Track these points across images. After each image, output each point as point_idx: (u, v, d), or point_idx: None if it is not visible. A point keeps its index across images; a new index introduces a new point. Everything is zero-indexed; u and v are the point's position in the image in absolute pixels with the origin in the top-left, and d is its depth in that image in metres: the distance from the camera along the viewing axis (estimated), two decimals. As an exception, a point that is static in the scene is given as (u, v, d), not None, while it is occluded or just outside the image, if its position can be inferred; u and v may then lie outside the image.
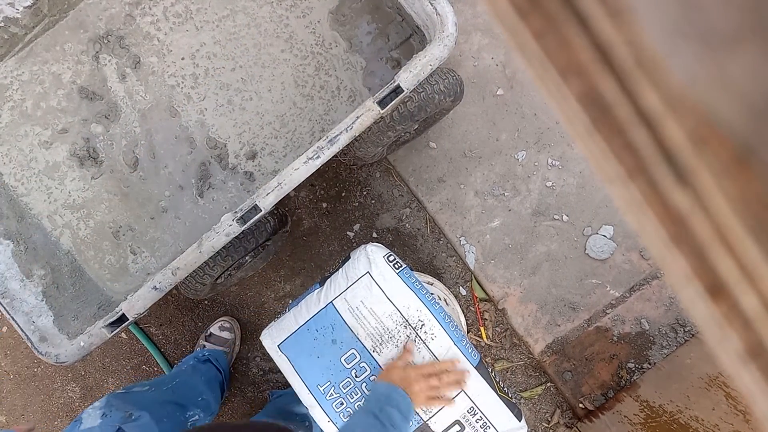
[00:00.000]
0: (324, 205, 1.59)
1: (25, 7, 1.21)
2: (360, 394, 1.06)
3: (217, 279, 1.23)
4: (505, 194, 1.52)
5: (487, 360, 1.57)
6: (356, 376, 1.07)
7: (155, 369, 1.63)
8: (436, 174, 1.53)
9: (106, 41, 1.27)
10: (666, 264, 0.17)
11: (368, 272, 1.11)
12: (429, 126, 1.44)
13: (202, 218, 1.27)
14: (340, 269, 1.17)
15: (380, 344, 1.07)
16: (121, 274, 1.26)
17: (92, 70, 1.27)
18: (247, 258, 1.39)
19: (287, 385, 1.57)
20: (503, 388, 1.11)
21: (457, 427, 1.05)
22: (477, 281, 1.54)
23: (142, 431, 1.05)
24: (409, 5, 1.13)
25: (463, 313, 1.50)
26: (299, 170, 1.01)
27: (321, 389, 1.07)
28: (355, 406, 1.06)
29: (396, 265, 1.12)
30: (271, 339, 1.13)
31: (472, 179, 1.52)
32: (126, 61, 1.27)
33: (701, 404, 1.16)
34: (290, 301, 1.60)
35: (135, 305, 1.03)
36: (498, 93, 1.51)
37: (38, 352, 1.05)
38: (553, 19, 0.15)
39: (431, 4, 1.00)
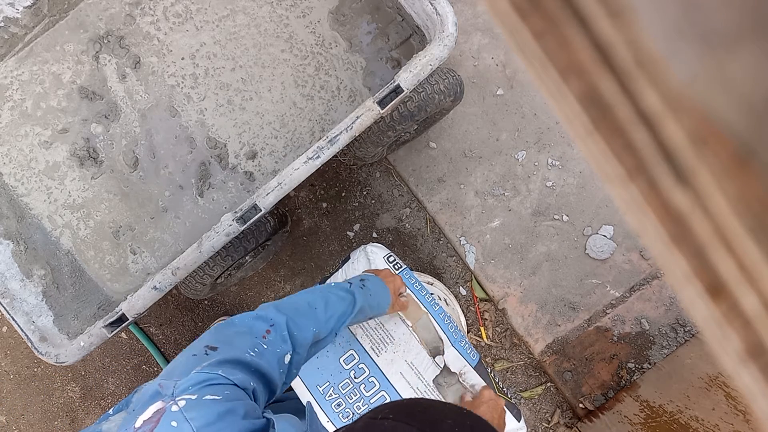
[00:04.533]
0: (324, 205, 1.59)
1: (25, 7, 1.21)
2: (359, 395, 1.06)
3: (217, 279, 1.23)
4: (505, 194, 1.52)
5: (487, 360, 1.57)
6: (355, 377, 1.07)
7: (155, 369, 1.63)
8: (436, 174, 1.53)
9: (106, 41, 1.27)
10: (666, 264, 0.17)
11: (368, 272, 1.11)
12: (429, 126, 1.44)
13: (202, 218, 1.27)
14: (340, 269, 1.17)
15: (379, 345, 1.07)
16: (121, 274, 1.26)
17: (92, 70, 1.27)
18: (247, 258, 1.39)
19: (287, 385, 1.57)
20: (502, 388, 1.11)
21: (457, 427, 1.05)
22: (477, 281, 1.54)
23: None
24: (409, 5, 1.13)
25: (463, 313, 1.50)
26: (299, 170, 1.01)
27: (320, 389, 1.07)
28: (354, 407, 1.06)
29: (396, 266, 1.13)
30: (271, 339, 1.12)
31: (472, 179, 1.52)
32: (126, 61, 1.27)
33: (701, 404, 1.16)
34: (290, 301, 1.60)
35: (135, 305, 1.03)
36: (498, 93, 1.51)
37: (38, 352, 1.05)
38: (553, 19, 0.15)
39: (431, 4, 1.00)
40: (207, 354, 0.68)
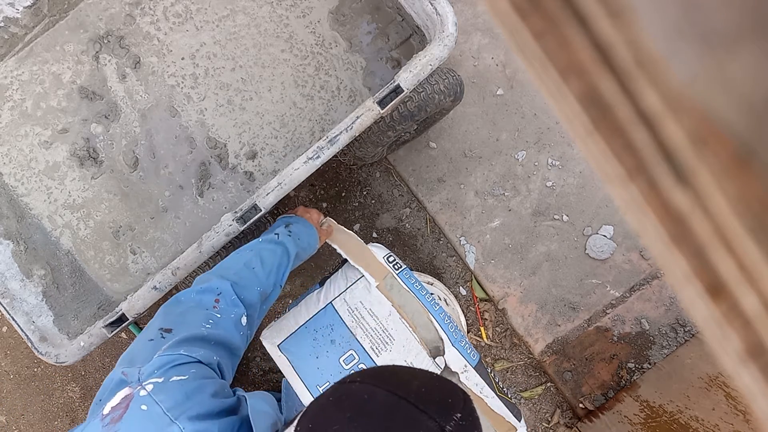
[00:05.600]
0: (324, 205, 1.59)
1: (25, 7, 1.21)
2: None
3: (217, 279, 1.23)
4: (505, 194, 1.52)
5: (487, 360, 1.57)
6: (356, 376, 1.07)
7: (155, 369, 1.63)
8: (436, 174, 1.53)
9: (106, 41, 1.27)
10: (666, 264, 0.17)
11: (368, 272, 1.11)
12: (429, 126, 1.44)
13: (202, 218, 1.27)
14: (340, 270, 1.17)
15: (379, 345, 1.07)
16: (121, 274, 1.26)
17: (92, 70, 1.27)
18: (247, 258, 1.38)
19: (287, 385, 1.57)
20: (502, 388, 1.11)
21: (457, 427, 1.05)
22: (477, 281, 1.54)
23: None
24: (409, 5, 1.13)
25: (463, 313, 1.50)
26: (299, 170, 1.01)
27: (320, 390, 1.07)
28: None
29: (396, 266, 1.13)
30: (270, 339, 1.13)
31: (472, 179, 1.52)
32: (126, 61, 1.27)
33: (701, 404, 1.16)
34: (290, 302, 1.60)
35: (135, 305, 1.03)
36: (498, 93, 1.51)
37: (38, 352, 1.05)
38: (553, 19, 0.15)
39: (431, 4, 1.00)
40: (163, 337, 0.69)
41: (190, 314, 0.74)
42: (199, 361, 0.64)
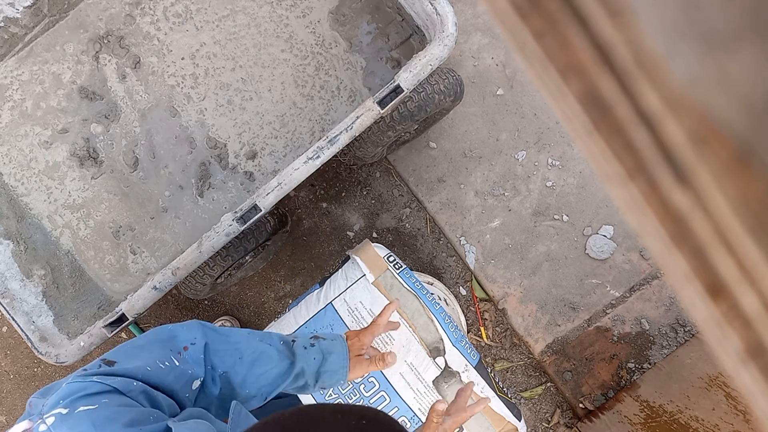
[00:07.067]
0: (324, 205, 1.59)
1: (25, 7, 1.21)
2: (358, 395, 1.06)
3: (217, 279, 1.23)
4: (505, 194, 1.52)
5: (487, 360, 1.57)
6: (356, 376, 1.06)
7: (155, 369, 1.63)
8: (436, 174, 1.53)
9: (106, 41, 1.27)
10: (666, 264, 0.17)
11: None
12: (429, 126, 1.44)
13: (202, 218, 1.27)
14: (340, 270, 1.17)
15: (379, 345, 1.07)
16: (121, 274, 1.26)
17: (92, 70, 1.27)
18: (247, 258, 1.39)
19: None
20: (502, 388, 1.11)
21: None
22: (477, 281, 1.54)
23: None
24: (409, 5, 1.13)
25: (463, 313, 1.50)
26: (299, 170, 1.01)
27: (320, 390, 1.07)
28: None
29: (396, 266, 1.13)
30: (271, 339, 1.12)
31: (472, 179, 1.52)
32: (126, 61, 1.27)
33: (701, 404, 1.16)
34: (290, 301, 1.60)
35: (135, 305, 1.03)
36: (498, 93, 1.51)
37: (38, 352, 1.05)
38: (553, 19, 0.15)
39: (431, 4, 1.00)
40: (100, 367, 0.60)
41: (151, 347, 0.65)
42: (116, 390, 0.56)
